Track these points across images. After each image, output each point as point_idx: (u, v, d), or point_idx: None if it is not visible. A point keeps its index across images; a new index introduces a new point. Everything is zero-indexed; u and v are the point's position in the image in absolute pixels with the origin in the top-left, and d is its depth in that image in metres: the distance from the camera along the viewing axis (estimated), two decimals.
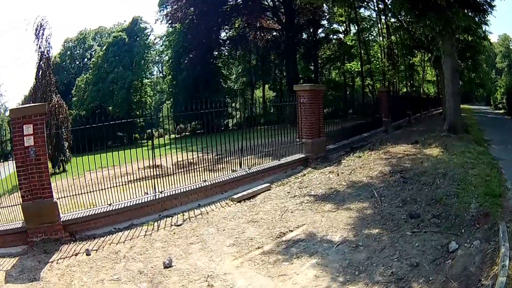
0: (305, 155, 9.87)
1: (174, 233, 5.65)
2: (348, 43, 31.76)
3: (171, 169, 7.56)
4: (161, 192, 6.85)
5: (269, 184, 7.89)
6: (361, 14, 32.26)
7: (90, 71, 45.08)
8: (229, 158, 8.49)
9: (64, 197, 6.23)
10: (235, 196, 7.13)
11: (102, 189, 6.45)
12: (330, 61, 36.97)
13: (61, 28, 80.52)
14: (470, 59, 34.89)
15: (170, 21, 34.40)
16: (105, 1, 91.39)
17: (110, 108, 42.09)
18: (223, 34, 37.16)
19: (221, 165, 8.47)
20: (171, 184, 7.22)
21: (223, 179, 7.83)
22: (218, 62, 37.02)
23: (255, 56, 38.01)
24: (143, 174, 7.61)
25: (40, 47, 21.44)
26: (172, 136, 24.70)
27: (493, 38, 69.70)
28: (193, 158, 8.68)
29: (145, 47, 46.49)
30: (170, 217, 6.32)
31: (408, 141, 10.79)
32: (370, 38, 33.97)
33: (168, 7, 34.99)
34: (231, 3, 33.21)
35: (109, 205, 6.30)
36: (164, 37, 42.65)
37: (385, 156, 9.00)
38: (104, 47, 46.00)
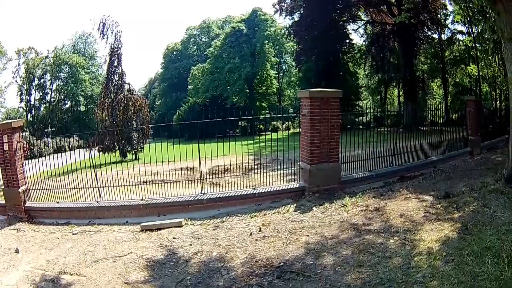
0: (300, 185, 6.98)
1: (58, 238, 6.04)
2: (468, 45, 25.20)
3: (202, 174, 7.70)
4: (97, 202, 7.25)
5: (181, 220, 6.10)
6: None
7: (208, 60, 46.53)
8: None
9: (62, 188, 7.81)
10: (143, 224, 6.14)
11: (119, 186, 7.51)
12: (456, 63, 30.00)
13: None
14: None
15: (280, 12, 33.24)
16: None
17: (231, 97, 43.25)
18: (349, 28, 33.07)
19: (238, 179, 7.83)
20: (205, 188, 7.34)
21: (161, 202, 6.89)
22: (345, 57, 33.35)
23: (386, 53, 32.66)
24: (170, 175, 8.17)
25: (111, 45, 22.88)
26: (292, 131, 24.01)
27: None
28: (235, 165, 8.14)
29: (265, 38, 46.02)
30: (92, 225, 6.58)
31: (450, 187, 6.37)
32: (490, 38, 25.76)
33: None
34: None
35: (57, 202, 7.47)
36: (285, 29, 40.64)
37: (358, 219, 5.18)
38: (222, 37, 47.04)
